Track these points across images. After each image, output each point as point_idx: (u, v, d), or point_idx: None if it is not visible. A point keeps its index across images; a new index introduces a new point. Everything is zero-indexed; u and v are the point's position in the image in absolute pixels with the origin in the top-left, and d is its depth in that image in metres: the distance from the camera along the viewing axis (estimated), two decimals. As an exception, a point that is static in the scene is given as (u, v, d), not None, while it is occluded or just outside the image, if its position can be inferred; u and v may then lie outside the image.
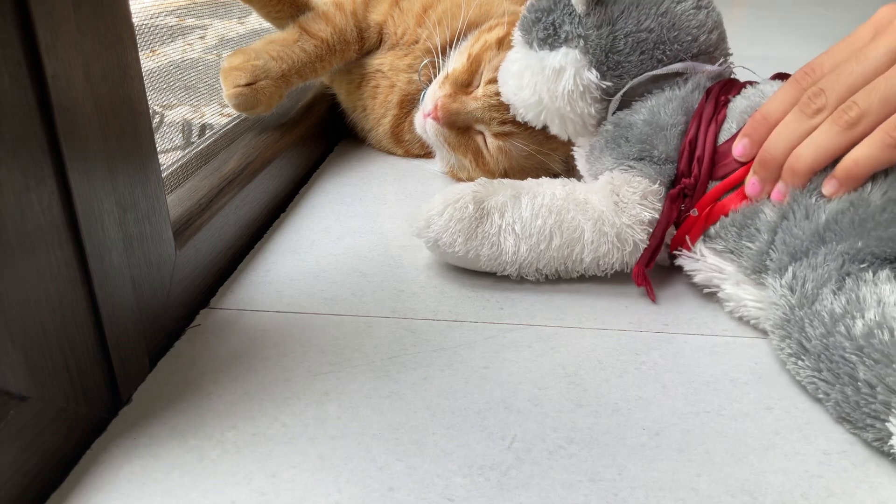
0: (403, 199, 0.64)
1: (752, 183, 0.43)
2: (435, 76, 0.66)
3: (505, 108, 0.59)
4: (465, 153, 0.63)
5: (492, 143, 0.61)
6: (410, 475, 0.33)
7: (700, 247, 0.46)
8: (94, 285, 0.33)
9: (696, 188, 0.46)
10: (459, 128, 0.62)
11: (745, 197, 0.44)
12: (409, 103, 0.70)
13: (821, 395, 0.37)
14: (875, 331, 0.34)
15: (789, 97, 0.42)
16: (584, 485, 0.32)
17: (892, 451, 0.33)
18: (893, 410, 0.33)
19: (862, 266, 0.37)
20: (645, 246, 0.47)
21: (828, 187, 0.40)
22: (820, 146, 0.40)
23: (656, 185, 0.47)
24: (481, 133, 0.62)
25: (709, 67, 0.50)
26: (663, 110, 0.48)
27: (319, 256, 0.53)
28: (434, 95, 0.63)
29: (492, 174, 0.62)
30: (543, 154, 0.60)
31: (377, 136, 0.75)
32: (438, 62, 0.66)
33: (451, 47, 0.66)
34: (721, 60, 0.51)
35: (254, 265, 0.51)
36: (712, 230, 0.45)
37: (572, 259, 0.48)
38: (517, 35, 0.53)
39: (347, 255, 0.53)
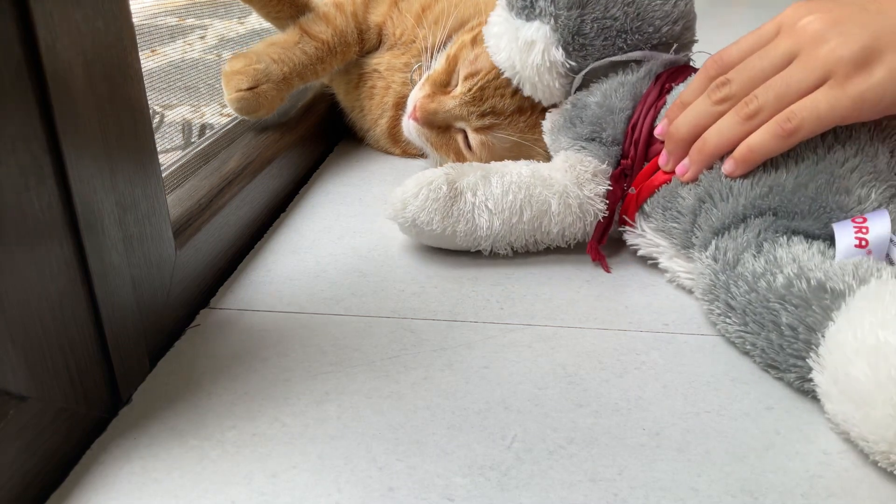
0: (403, 199, 0.64)
1: (662, 155, 0.48)
2: None
3: (482, 100, 0.60)
4: (447, 152, 0.64)
5: (473, 138, 0.61)
6: (410, 475, 0.33)
7: (641, 223, 0.50)
8: (94, 285, 0.33)
9: (634, 168, 0.50)
10: (440, 127, 0.63)
11: (668, 173, 0.48)
12: (404, 104, 0.70)
13: (748, 347, 0.40)
14: (794, 281, 0.38)
15: (701, 84, 0.47)
16: (584, 485, 0.32)
17: (812, 387, 0.36)
18: (813, 347, 0.36)
19: (776, 234, 0.42)
20: (604, 216, 0.51)
21: (727, 166, 0.44)
22: (723, 134, 0.44)
23: (604, 165, 0.51)
24: (462, 131, 0.62)
25: (664, 56, 0.53)
26: (615, 94, 0.51)
27: (319, 256, 0.53)
28: (414, 97, 0.63)
29: None
30: (527, 143, 0.61)
31: (375, 137, 0.75)
32: (426, 63, 0.66)
33: (440, 48, 0.66)
34: (676, 48, 0.53)
35: (254, 265, 0.51)
36: (647, 208, 0.49)
37: (541, 231, 0.52)
38: None
39: (347, 255, 0.53)
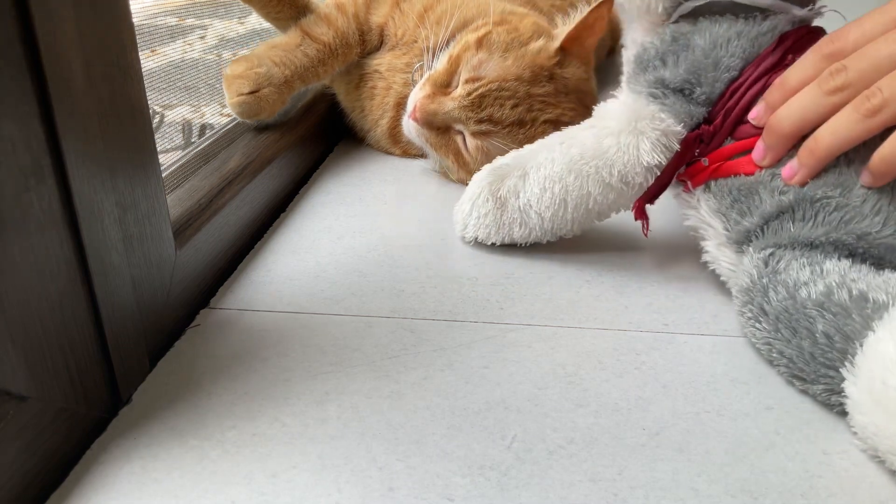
0: (403, 199, 0.64)
1: (758, 147, 0.42)
2: None
3: (481, 107, 0.59)
4: (446, 153, 0.64)
5: (471, 142, 0.61)
6: (410, 475, 0.33)
7: (700, 195, 0.46)
8: (94, 285, 0.33)
9: (714, 137, 0.44)
10: (439, 128, 0.63)
11: (754, 164, 0.43)
12: (405, 104, 0.70)
13: (774, 355, 0.39)
14: (835, 290, 0.37)
15: (811, 66, 0.41)
16: (584, 485, 0.32)
17: (838, 400, 0.36)
18: (849, 356, 0.35)
19: (836, 253, 0.40)
20: (648, 185, 0.47)
21: (865, 178, 0.39)
22: (838, 133, 0.39)
23: (679, 127, 0.45)
24: (461, 133, 0.62)
25: (795, 9, 0.45)
26: (727, 46, 0.44)
27: (319, 256, 0.53)
28: (415, 97, 0.63)
29: (472, 174, 0.62)
30: None
31: (375, 137, 0.75)
32: (428, 63, 0.66)
33: (442, 48, 0.66)
34: (811, 6, 0.46)
35: (254, 265, 0.51)
36: (714, 186, 0.45)
37: (594, 212, 0.50)
38: None
39: (347, 255, 0.53)
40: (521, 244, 0.53)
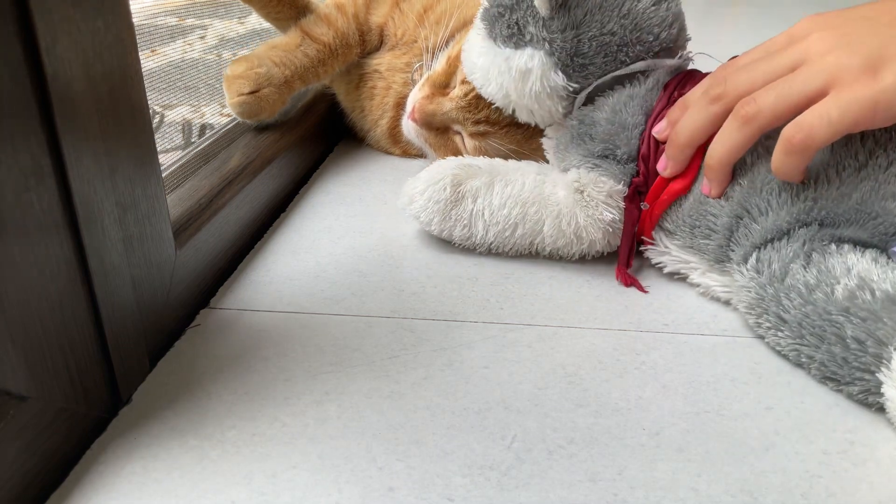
0: (403, 199, 0.64)
1: (661, 159, 0.47)
2: None
3: (478, 108, 0.59)
4: (445, 153, 0.64)
5: (469, 143, 0.61)
6: (410, 475, 0.33)
7: (664, 240, 0.49)
8: (94, 285, 0.33)
9: (647, 184, 0.49)
10: (438, 128, 0.63)
11: (685, 181, 0.46)
12: (405, 104, 0.70)
13: (803, 359, 0.39)
14: (857, 292, 0.37)
15: (706, 85, 0.45)
16: (584, 485, 0.32)
17: (876, 400, 0.36)
18: (884, 361, 0.35)
19: (823, 243, 0.40)
20: (603, 243, 0.50)
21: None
22: (725, 142, 0.43)
23: (620, 185, 0.49)
24: (459, 133, 0.62)
25: (668, 62, 0.51)
26: (625, 109, 0.49)
27: (319, 256, 0.53)
28: (414, 97, 0.63)
29: None
30: (522, 154, 0.60)
31: (375, 137, 0.75)
32: (427, 63, 0.66)
33: (442, 48, 0.66)
34: (679, 54, 0.52)
35: (254, 265, 0.51)
36: (669, 226, 0.48)
37: (534, 247, 0.52)
38: (479, 25, 0.53)
39: (347, 255, 0.53)
40: (455, 244, 0.53)
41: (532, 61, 0.50)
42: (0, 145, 0.27)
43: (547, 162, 0.61)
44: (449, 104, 0.61)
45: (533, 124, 0.56)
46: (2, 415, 0.28)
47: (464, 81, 0.61)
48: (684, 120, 0.45)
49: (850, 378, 0.37)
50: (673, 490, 0.32)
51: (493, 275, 0.51)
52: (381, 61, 0.71)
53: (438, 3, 0.71)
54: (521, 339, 0.43)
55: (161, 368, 0.40)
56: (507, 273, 0.51)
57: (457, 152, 0.63)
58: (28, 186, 0.28)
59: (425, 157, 0.70)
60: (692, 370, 0.40)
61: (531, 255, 0.53)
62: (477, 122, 0.60)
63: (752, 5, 1.97)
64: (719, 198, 0.45)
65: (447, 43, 0.67)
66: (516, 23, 0.50)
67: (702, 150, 0.46)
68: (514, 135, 0.61)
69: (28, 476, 0.30)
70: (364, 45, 0.72)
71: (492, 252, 0.53)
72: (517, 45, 0.50)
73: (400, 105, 0.70)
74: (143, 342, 0.38)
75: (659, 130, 0.48)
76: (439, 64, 0.64)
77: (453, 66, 0.63)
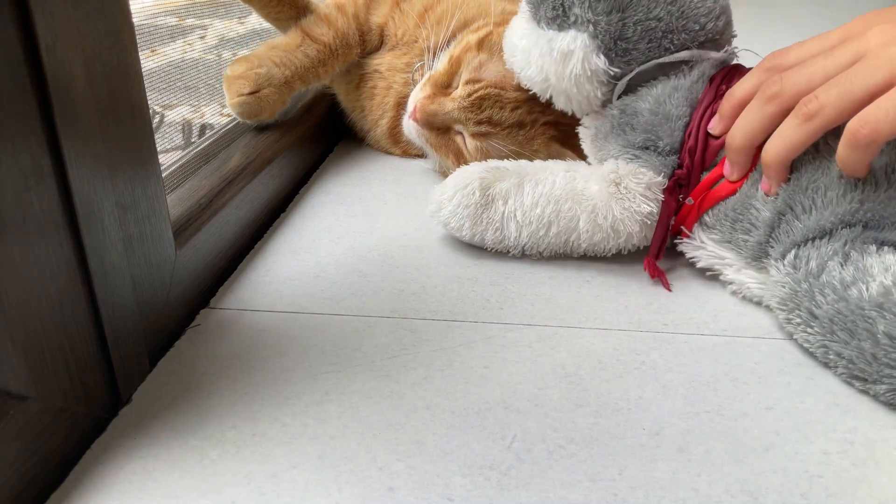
0: (403, 199, 0.64)
1: (726, 165, 0.46)
2: None
3: (480, 108, 0.59)
4: (446, 153, 0.64)
5: (470, 143, 0.61)
6: (410, 475, 0.33)
7: (700, 235, 0.48)
8: (94, 285, 0.33)
9: (690, 178, 0.48)
10: (439, 128, 0.63)
11: (734, 184, 0.46)
12: (405, 104, 0.70)
13: (831, 357, 0.39)
14: (893, 289, 0.37)
15: (755, 79, 0.45)
16: (584, 485, 0.32)
17: None
18: None
19: (864, 244, 0.40)
20: (640, 236, 0.50)
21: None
22: (785, 140, 0.42)
23: (660, 177, 0.48)
24: (461, 133, 0.62)
25: (713, 55, 0.50)
26: (669, 100, 0.49)
27: (319, 256, 0.53)
28: (415, 97, 0.63)
29: None
30: (524, 156, 0.60)
31: (375, 137, 0.75)
32: (428, 63, 0.66)
33: (442, 48, 0.66)
34: (725, 47, 0.51)
35: (254, 265, 0.51)
36: (709, 220, 0.48)
37: (569, 245, 0.51)
38: (524, 8, 0.53)
39: (347, 255, 0.53)
40: (488, 249, 0.53)
41: (575, 43, 0.49)
42: (0, 145, 0.27)
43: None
44: (451, 104, 0.61)
45: (570, 112, 0.55)
46: (2, 415, 0.28)
47: (467, 83, 0.61)
48: (740, 121, 0.45)
49: (877, 376, 0.37)
50: (673, 490, 0.32)
51: (493, 275, 0.51)
52: (382, 61, 0.71)
53: (439, 3, 0.71)
54: (520, 339, 0.43)
55: (161, 368, 0.40)
56: (507, 273, 0.51)
57: (458, 152, 0.63)
58: (28, 186, 0.29)
59: (426, 157, 0.70)
60: (692, 370, 0.40)
61: (565, 255, 0.52)
62: (479, 123, 0.60)
63: (752, 5, 1.97)
64: (776, 195, 0.44)
65: (448, 43, 0.67)
66: (562, 4, 0.49)
67: (758, 148, 0.45)
68: (515, 136, 0.61)
69: (28, 476, 0.30)
70: (364, 45, 0.72)
71: (525, 254, 0.52)
72: (561, 27, 0.50)
73: (400, 105, 0.70)
74: (143, 342, 0.38)
75: (712, 126, 0.47)
76: (441, 64, 0.64)
77: (455, 66, 0.62)
